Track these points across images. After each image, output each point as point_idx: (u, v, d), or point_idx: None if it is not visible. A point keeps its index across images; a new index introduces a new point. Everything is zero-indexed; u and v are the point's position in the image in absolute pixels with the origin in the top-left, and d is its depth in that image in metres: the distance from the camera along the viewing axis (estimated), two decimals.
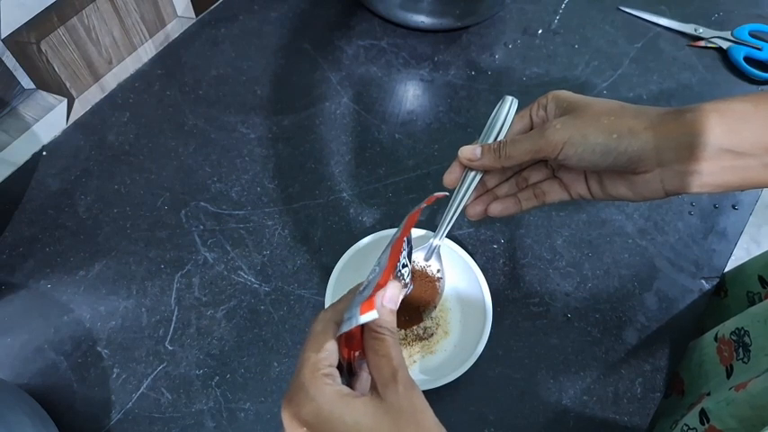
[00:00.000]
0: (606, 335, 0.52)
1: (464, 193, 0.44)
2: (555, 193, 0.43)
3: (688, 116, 0.35)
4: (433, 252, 0.47)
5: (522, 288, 0.54)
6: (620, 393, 0.49)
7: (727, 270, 0.58)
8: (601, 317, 0.53)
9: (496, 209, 0.44)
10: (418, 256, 0.48)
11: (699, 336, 0.61)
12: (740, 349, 0.47)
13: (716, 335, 0.51)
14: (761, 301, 0.54)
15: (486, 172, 0.44)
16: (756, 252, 0.57)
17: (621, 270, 0.55)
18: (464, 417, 0.48)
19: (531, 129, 0.43)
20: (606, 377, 0.50)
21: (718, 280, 0.55)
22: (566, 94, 0.41)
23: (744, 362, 0.46)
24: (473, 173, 0.44)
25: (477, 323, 0.48)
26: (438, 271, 0.48)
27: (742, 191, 0.58)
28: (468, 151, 0.42)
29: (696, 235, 0.57)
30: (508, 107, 0.44)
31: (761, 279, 0.55)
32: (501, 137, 0.43)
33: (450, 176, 0.44)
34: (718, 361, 0.49)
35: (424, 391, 0.47)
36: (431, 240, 0.47)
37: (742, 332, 0.47)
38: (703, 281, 0.55)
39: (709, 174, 0.35)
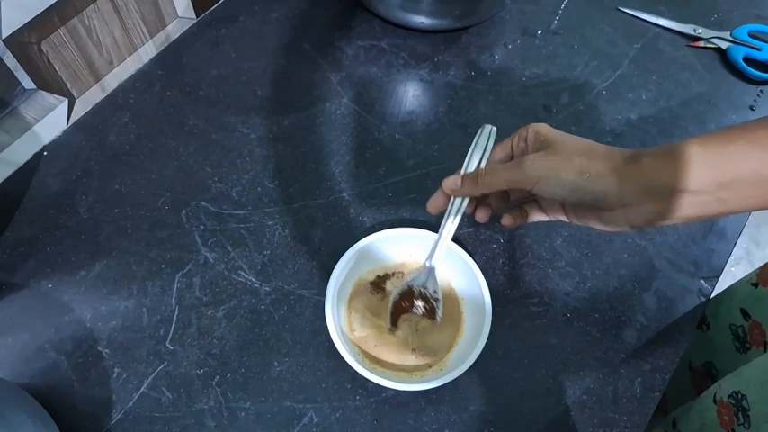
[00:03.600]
0: (605, 334, 0.52)
1: (454, 218, 0.47)
2: (535, 214, 0.48)
3: (645, 161, 0.38)
4: (429, 274, 0.49)
5: (522, 288, 0.54)
6: (620, 393, 0.50)
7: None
8: (600, 316, 0.53)
9: (508, 221, 0.48)
10: (417, 280, 0.50)
11: (685, 368, 0.61)
12: (740, 414, 0.46)
13: (714, 396, 0.50)
14: (745, 334, 0.54)
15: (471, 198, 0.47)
16: (756, 252, 0.58)
17: (621, 270, 0.55)
18: (464, 417, 0.48)
19: (512, 158, 0.46)
20: (605, 377, 0.50)
21: (717, 280, 0.55)
22: (544, 129, 0.43)
23: (745, 427, 0.46)
24: (460, 199, 0.47)
25: (477, 323, 0.48)
26: (435, 292, 0.49)
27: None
28: (450, 182, 0.46)
29: (695, 235, 0.58)
30: (488, 135, 0.47)
31: (743, 312, 0.55)
32: (483, 164, 0.46)
33: (433, 203, 0.48)
34: (719, 424, 0.49)
35: (423, 391, 0.48)
36: (425, 262, 0.49)
37: (739, 396, 0.47)
38: (702, 281, 0.55)
39: (669, 211, 0.37)
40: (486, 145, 0.47)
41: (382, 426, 0.48)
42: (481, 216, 0.49)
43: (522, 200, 0.49)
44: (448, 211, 0.47)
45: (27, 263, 0.54)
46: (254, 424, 0.48)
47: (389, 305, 0.49)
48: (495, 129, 0.47)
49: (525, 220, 0.49)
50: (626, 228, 0.41)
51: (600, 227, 0.42)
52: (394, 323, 0.49)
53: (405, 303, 0.50)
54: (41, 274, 0.54)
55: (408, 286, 0.50)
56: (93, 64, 0.63)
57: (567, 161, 0.40)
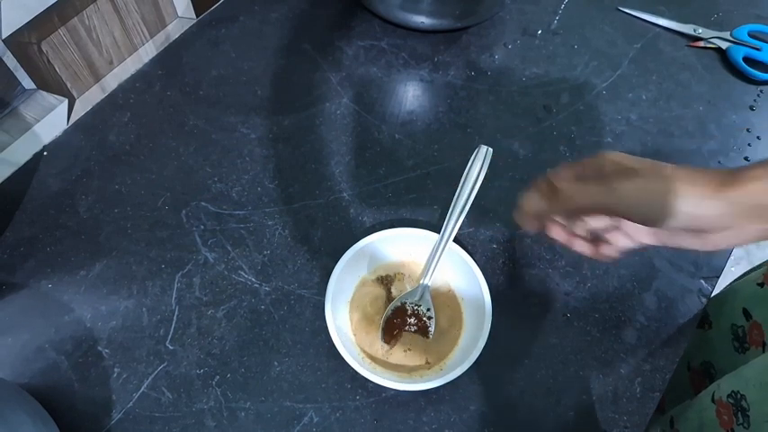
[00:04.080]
0: (605, 334, 0.52)
1: (448, 236, 0.49)
2: (622, 241, 0.44)
3: (752, 186, 0.36)
4: (423, 292, 0.50)
5: (522, 288, 0.54)
6: (620, 393, 0.50)
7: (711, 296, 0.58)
8: (600, 316, 0.53)
9: (610, 250, 0.44)
10: (410, 297, 0.50)
11: (683, 367, 0.61)
12: (739, 414, 0.46)
13: (713, 396, 0.50)
14: (744, 334, 0.54)
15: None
16: (756, 252, 0.57)
17: (621, 270, 0.55)
18: (464, 416, 0.48)
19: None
20: (605, 377, 0.50)
21: (717, 280, 0.55)
22: (623, 156, 0.40)
23: (744, 427, 0.46)
24: (453, 220, 0.48)
25: (477, 323, 0.48)
26: (428, 310, 0.50)
27: None
28: (532, 202, 0.41)
29: None
30: (483, 157, 0.47)
31: (745, 311, 0.55)
32: (478, 185, 0.47)
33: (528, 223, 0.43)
34: (718, 424, 0.49)
35: (424, 391, 0.48)
36: (421, 281, 0.50)
37: (738, 396, 0.47)
38: (702, 281, 0.55)
39: None
40: (482, 166, 0.47)
41: (382, 426, 0.48)
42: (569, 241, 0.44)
43: (604, 229, 0.44)
44: (443, 230, 0.48)
45: (27, 263, 0.54)
46: (254, 424, 0.48)
47: (381, 322, 0.50)
48: (491, 150, 0.47)
49: (616, 251, 0.44)
50: (726, 247, 0.40)
51: (698, 246, 0.40)
52: (387, 340, 0.50)
53: (397, 320, 0.50)
54: (41, 274, 0.54)
55: (401, 303, 0.50)
56: (93, 64, 0.63)
57: (667, 187, 0.37)
